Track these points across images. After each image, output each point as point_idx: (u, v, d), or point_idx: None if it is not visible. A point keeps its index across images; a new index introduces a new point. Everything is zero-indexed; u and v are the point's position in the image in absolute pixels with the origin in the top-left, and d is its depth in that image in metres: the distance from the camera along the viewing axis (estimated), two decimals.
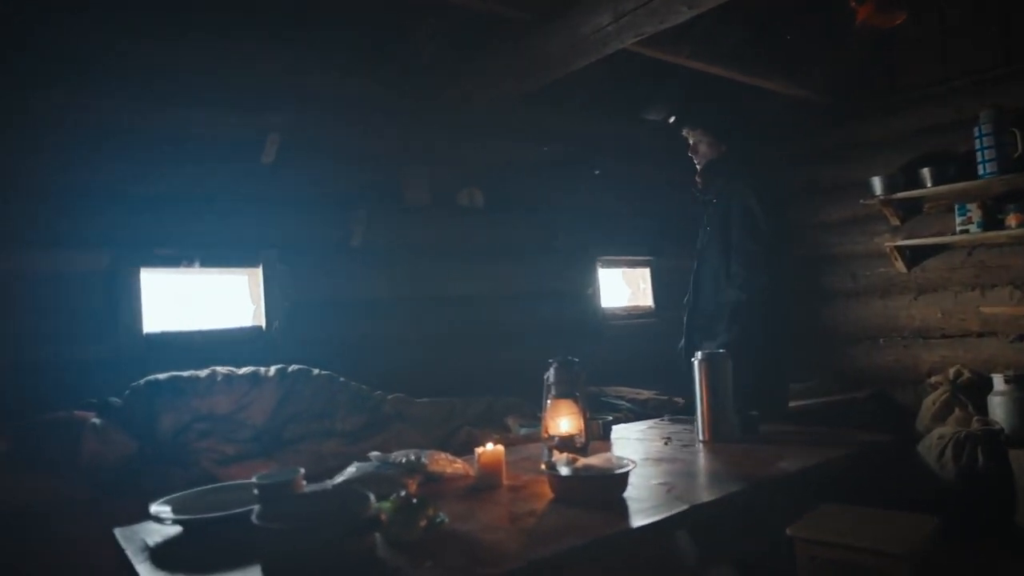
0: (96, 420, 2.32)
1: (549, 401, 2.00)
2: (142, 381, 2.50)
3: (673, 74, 4.18)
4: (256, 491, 1.38)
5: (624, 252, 4.67)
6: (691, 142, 2.93)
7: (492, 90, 3.66)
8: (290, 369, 2.83)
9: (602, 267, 4.55)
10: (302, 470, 1.42)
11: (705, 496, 1.57)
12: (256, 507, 1.24)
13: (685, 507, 1.47)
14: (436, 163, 3.79)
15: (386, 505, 1.32)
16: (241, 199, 3.19)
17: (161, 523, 1.44)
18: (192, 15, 2.90)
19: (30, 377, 2.55)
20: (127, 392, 2.48)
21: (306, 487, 1.50)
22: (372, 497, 1.21)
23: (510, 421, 3.14)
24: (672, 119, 5.01)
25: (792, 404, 3.80)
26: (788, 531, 2.11)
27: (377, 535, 1.28)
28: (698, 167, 2.92)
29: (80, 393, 2.54)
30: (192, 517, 1.41)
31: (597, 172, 4.45)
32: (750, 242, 2.62)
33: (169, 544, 1.42)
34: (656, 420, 2.74)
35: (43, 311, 2.65)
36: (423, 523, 1.32)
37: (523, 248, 4.14)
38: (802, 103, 4.56)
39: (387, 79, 3.56)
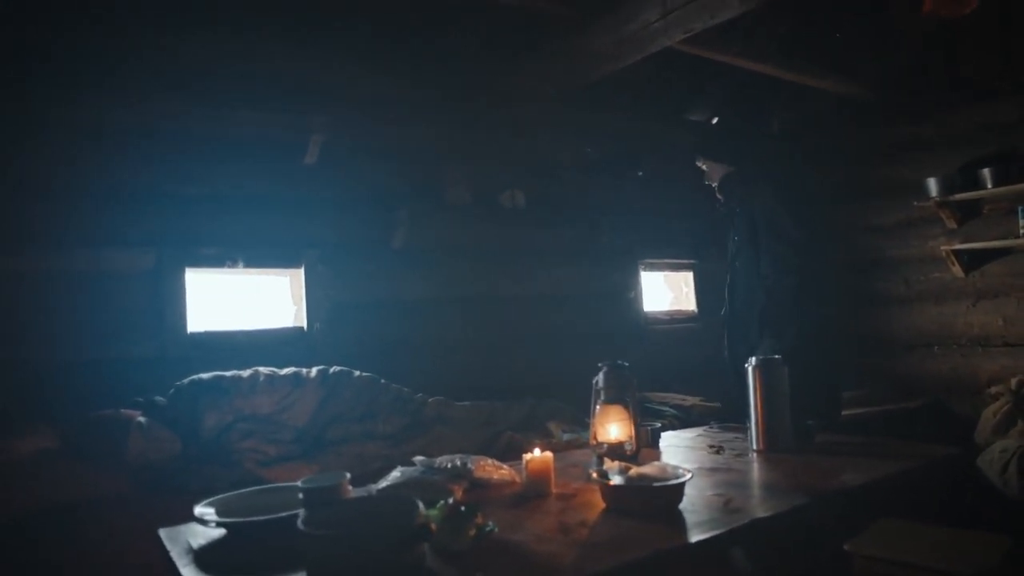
0: (142, 419, 2.33)
1: (598, 406, 1.93)
2: (186, 380, 2.51)
3: (719, 73, 4.09)
4: (301, 495, 1.35)
5: (667, 255, 4.58)
6: (705, 170, 2.94)
7: (535, 90, 3.61)
8: (331, 370, 2.82)
9: (644, 270, 4.46)
10: (348, 474, 1.38)
11: (765, 509, 1.49)
12: (301, 512, 1.21)
13: (745, 521, 1.40)
14: (478, 163, 3.76)
15: (434, 513, 1.28)
16: (284, 199, 3.20)
17: (205, 525, 1.41)
18: (236, 14, 2.91)
19: (78, 375, 2.58)
20: (172, 391, 2.49)
21: (352, 492, 1.46)
22: (421, 505, 1.17)
23: (552, 426, 3.08)
24: (715, 119, 4.94)
25: (843, 413, 3.68)
26: (846, 547, 2.00)
27: (426, 543, 1.23)
28: (714, 186, 2.91)
29: (126, 391, 2.56)
30: (236, 520, 1.39)
31: (640, 173, 4.37)
32: (776, 243, 2.56)
33: (213, 547, 1.40)
34: (705, 428, 2.65)
35: (91, 310, 2.68)
36: (472, 532, 1.28)
37: (565, 250, 4.08)
38: (852, 101, 4.41)
39: (430, 79, 3.54)
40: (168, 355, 2.82)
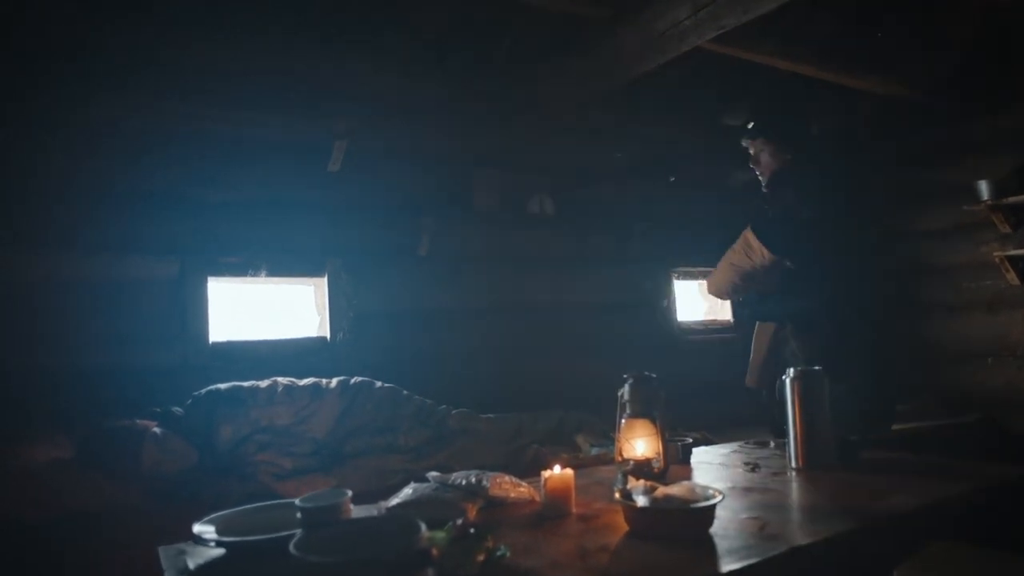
0: (157, 429, 2.29)
1: (623, 421, 1.82)
2: (204, 391, 2.47)
3: (755, 75, 3.95)
4: (299, 515, 1.27)
5: (701, 263, 4.43)
6: (752, 152, 2.80)
7: (564, 93, 3.52)
8: (352, 381, 2.76)
9: (678, 278, 4.34)
10: (349, 492, 1.29)
11: (805, 535, 1.36)
12: (297, 533, 1.13)
13: (783, 549, 1.27)
14: (506, 169, 3.69)
15: (440, 535, 1.18)
16: (308, 206, 3.17)
17: (204, 544, 1.34)
18: (259, 19, 2.89)
19: (98, 383, 2.56)
20: (189, 401, 2.45)
21: (354, 511, 1.38)
22: (424, 527, 1.08)
23: (580, 439, 2.98)
24: (751, 125, 4.80)
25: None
26: (895, 574, 1.85)
27: (430, 569, 1.14)
28: (761, 179, 2.79)
29: (146, 400, 2.53)
30: (232, 540, 1.31)
31: (672, 179, 4.25)
32: (784, 224, 2.56)
33: (211, 566, 1.32)
34: (740, 443, 2.51)
35: (112, 317, 2.67)
36: (481, 557, 1.18)
37: (595, 257, 3.98)
38: (896, 102, 4.22)
39: (457, 83, 3.48)
40: (189, 364, 2.79)
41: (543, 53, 3.40)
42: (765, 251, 2.52)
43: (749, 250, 2.59)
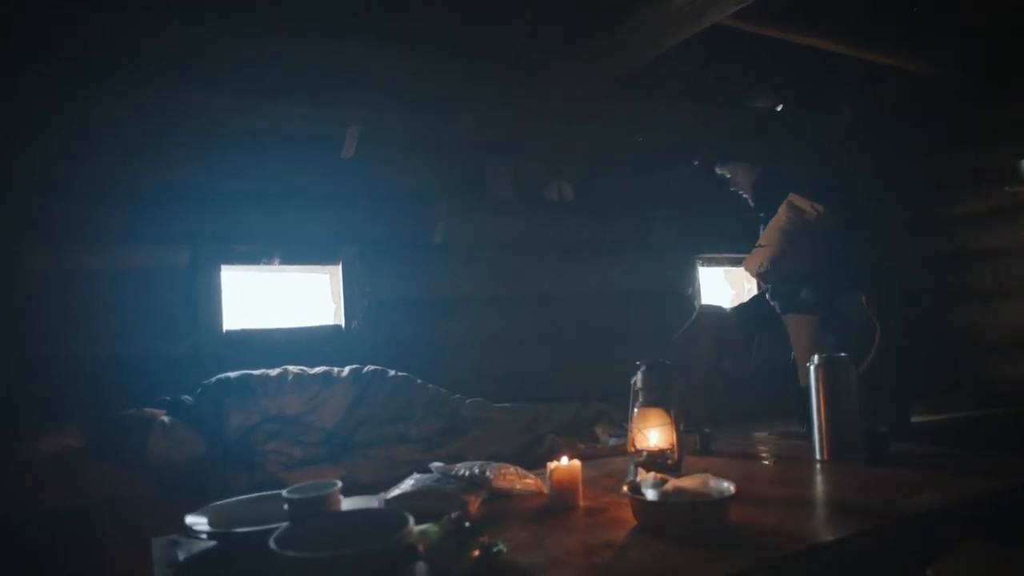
0: (165, 418, 2.26)
1: (636, 410, 1.74)
2: (213, 379, 2.44)
3: (778, 57, 3.81)
4: (286, 506, 1.22)
5: (726, 250, 4.31)
6: (729, 176, 3.11)
7: (581, 77, 3.42)
8: (365, 370, 2.71)
9: (702, 265, 4.22)
10: (339, 484, 1.24)
11: (827, 532, 1.27)
12: (283, 526, 1.08)
13: (801, 547, 1.19)
14: (523, 155, 3.60)
15: (433, 530, 1.12)
16: (321, 194, 3.12)
17: (195, 536, 1.30)
18: (271, 8, 2.84)
19: (109, 373, 2.54)
20: (199, 390, 2.42)
21: (355, 502, 1.33)
22: (412, 521, 1.02)
23: (598, 430, 2.90)
24: (779, 107, 4.65)
25: (922, 419, 3.36)
26: (928, 572, 1.75)
27: (421, 564, 1.08)
28: (744, 195, 3.10)
29: (160, 389, 2.50)
30: (221, 531, 1.26)
31: (696, 163, 4.12)
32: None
33: (201, 558, 1.28)
34: (764, 434, 2.42)
35: (123, 308, 2.65)
36: (476, 553, 1.11)
37: (615, 245, 3.88)
38: (930, 81, 4.04)
39: (471, 68, 3.40)
40: (202, 354, 2.77)
41: (557, 41, 3.31)
42: (817, 205, 2.63)
43: (799, 211, 2.67)
